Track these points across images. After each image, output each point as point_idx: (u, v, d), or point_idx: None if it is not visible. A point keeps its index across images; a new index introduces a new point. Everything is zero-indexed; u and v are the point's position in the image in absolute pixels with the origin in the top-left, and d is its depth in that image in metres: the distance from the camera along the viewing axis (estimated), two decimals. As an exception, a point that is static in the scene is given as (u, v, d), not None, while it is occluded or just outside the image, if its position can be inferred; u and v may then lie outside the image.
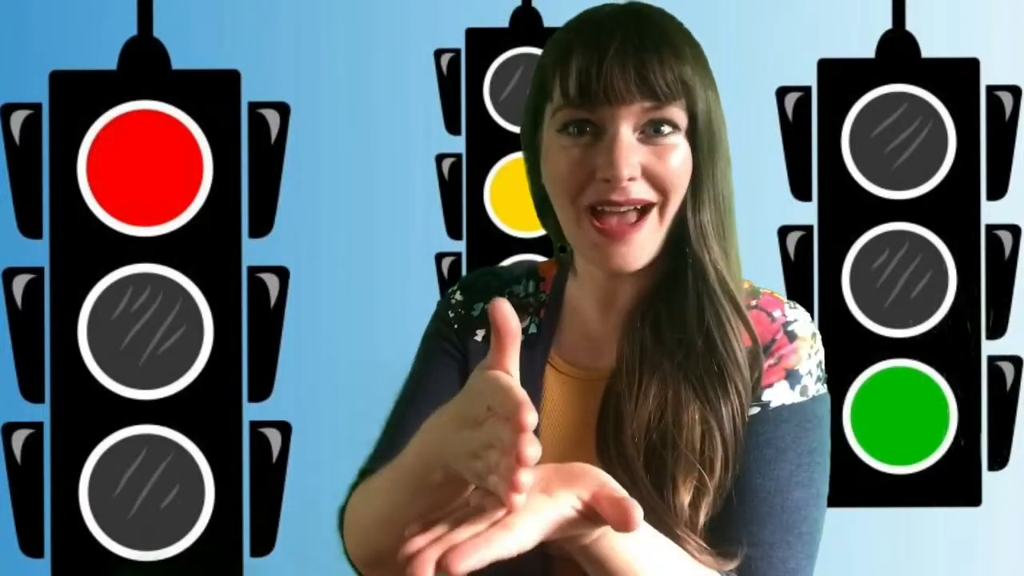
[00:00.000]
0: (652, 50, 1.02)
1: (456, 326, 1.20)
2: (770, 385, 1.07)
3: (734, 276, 1.08)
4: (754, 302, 1.11)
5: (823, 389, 1.09)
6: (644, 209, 1.05)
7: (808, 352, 1.08)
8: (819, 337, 1.11)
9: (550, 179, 1.08)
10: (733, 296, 1.06)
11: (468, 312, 1.20)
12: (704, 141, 1.05)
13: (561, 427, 1.12)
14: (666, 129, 1.03)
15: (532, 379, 1.13)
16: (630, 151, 1.02)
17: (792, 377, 1.07)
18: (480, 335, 1.18)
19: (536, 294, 1.19)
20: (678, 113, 1.03)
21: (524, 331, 1.16)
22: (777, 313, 1.10)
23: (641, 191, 1.04)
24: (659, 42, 1.02)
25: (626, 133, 1.02)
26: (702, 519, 1.03)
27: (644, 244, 1.05)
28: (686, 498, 1.03)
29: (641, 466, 1.03)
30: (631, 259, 1.05)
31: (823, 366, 1.10)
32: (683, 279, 1.07)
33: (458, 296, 1.22)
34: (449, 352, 1.20)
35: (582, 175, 1.04)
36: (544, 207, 1.14)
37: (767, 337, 1.08)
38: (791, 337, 1.08)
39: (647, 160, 1.03)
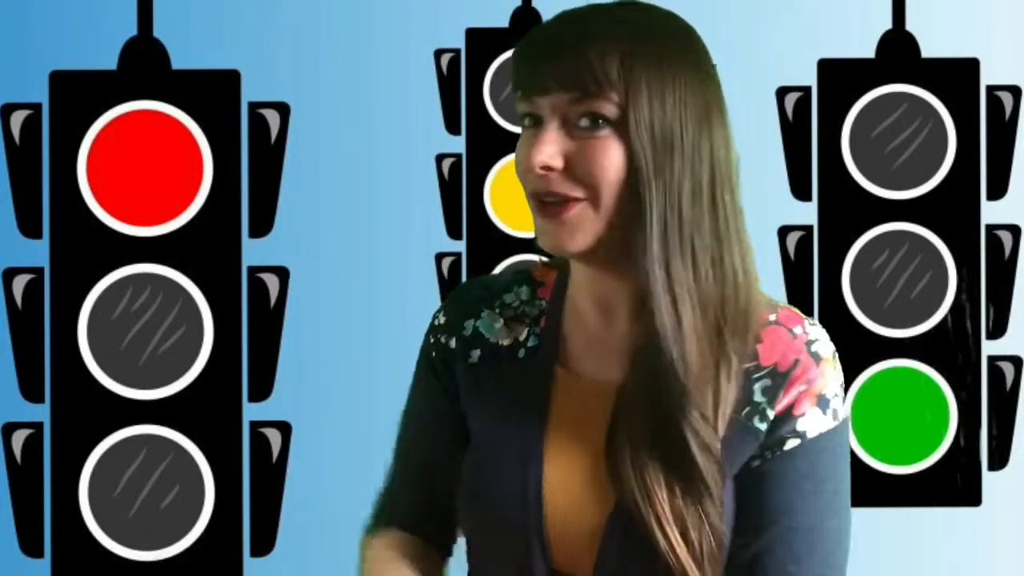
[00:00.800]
0: (571, 42, 1.00)
1: (434, 354, 1.16)
2: (803, 414, 1.04)
3: (692, 284, 1.02)
4: (773, 317, 1.07)
5: (847, 409, 1.08)
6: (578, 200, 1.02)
7: (833, 374, 1.06)
8: (837, 355, 1.08)
9: None
10: (679, 303, 1.01)
11: (455, 335, 1.15)
12: (643, 141, 1.00)
13: (569, 442, 1.08)
14: (599, 124, 1.00)
15: (536, 395, 1.09)
16: (547, 141, 1.00)
17: (822, 403, 1.05)
18: (475, 355, 1.13)
19: (533, 301, 1.14)
20: (606, 107, 1.00)
21: (523, 344, 1.12)
22: (798, 330, 1.06)
23: (562, 184, 1.01)
24: (582, 35, 1.00)
25: (552, 124, 1.01)
26: (709, 564, 1.02)
27: (573, 227, 1.01)
28: (697, 540, 1.01)
29: (667, 504, 1.01)
30: (563, 239, 1.02)
31: (843, 385, 1.08)
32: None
33: (440, 319, 1.17)
34: (428, 382, 1.17)
35: (522, 164, 1.04)
36: None
37: (788, 355, 1.05)
38: (816, 359, 1.05)
39: (571, 153, 1.01)
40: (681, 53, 1.03)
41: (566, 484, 1.06)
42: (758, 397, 1.04)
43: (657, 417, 1.02)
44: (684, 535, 1.00)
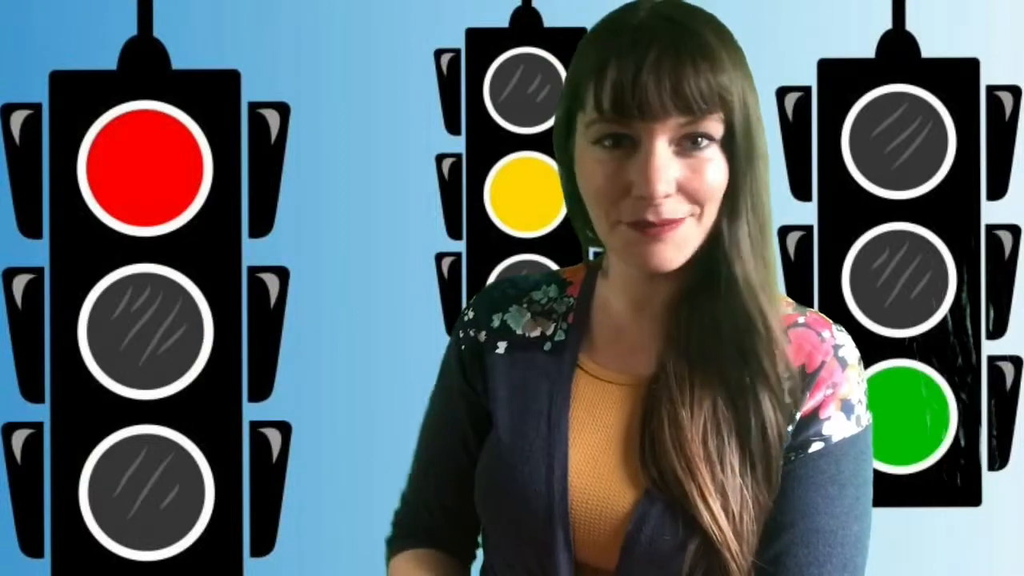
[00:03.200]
0: (688, 63, 0.99)
1: (463, 347, 1.17)
2: (828, 418, 1.05)
3: (770, 287, 1.05)
4: (801, 319, 1.08)
5: (870, 416, 1.08)
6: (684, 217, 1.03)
7: (858, 380, 1.07)
8: (862, 362, 1.09)
9: (586, 191, 1.05)
10: (763, 309, 1.04)
11: (484, 328, 1.16)
12: (741, 150, 1.02)
13: (594, 433, 1.09)
14: (703, 142, 1.01)
15: (561, 385, 1.10)
16: (665, 167, 1.00)
17: (847, 408, 1.05)
18: (502, 347, 1.14)
19: (561, 298, 1.15)
20: (714, 125, 1.01)
21: (549, 338, 1.13)
22: (826, 334, 1.08)
23: (675, 208, 1.01)
24: (695, 53, 0.99)
25: (662, 148, 1.00)
26: (747, 539, 1.02)
27: (680, 243, 1.02)
28: (737, 513, 1.01)
29: (708, 476, 1.01)
30: (668, 257, 1.02)
31: (867, 392, 1.09)
32: (716, 286, 1.05)
33: (469, 315, 1.18)
34: (455, 381, 1.18)
35: (617, 190, 1.02)
36: (575, 210, 1.11)
37: (816, 358, 1.06)
38: (843, 364, 1.06)
39: (682, 174, 1.01)
40: (745, 61, 1.06)
41: (592, 473, 1.07)
42: (786, 399, 1.04)
43: (719, 396, 1.04)
44: (726, 508, 1.01)
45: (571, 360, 1.11)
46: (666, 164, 1.00)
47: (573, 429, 1.09)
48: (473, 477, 1.13)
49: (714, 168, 1.02)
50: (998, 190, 2.12)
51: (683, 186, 1.01)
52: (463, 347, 1.17)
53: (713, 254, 1.05)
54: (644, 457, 1.04)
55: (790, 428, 1.04)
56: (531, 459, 1.08)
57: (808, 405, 1.05)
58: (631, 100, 0.99)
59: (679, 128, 1.00)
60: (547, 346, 1.13)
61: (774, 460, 1.03)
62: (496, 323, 1.16)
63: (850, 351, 1.08)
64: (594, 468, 1.07)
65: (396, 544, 1.21)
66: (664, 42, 1.00)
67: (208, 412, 2.04)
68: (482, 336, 1.16)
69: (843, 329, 1.10)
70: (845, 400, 1.06)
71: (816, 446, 1.04)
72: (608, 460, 1.07)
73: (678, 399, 1.04)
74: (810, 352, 1.06)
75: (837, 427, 1.05)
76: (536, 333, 1.14)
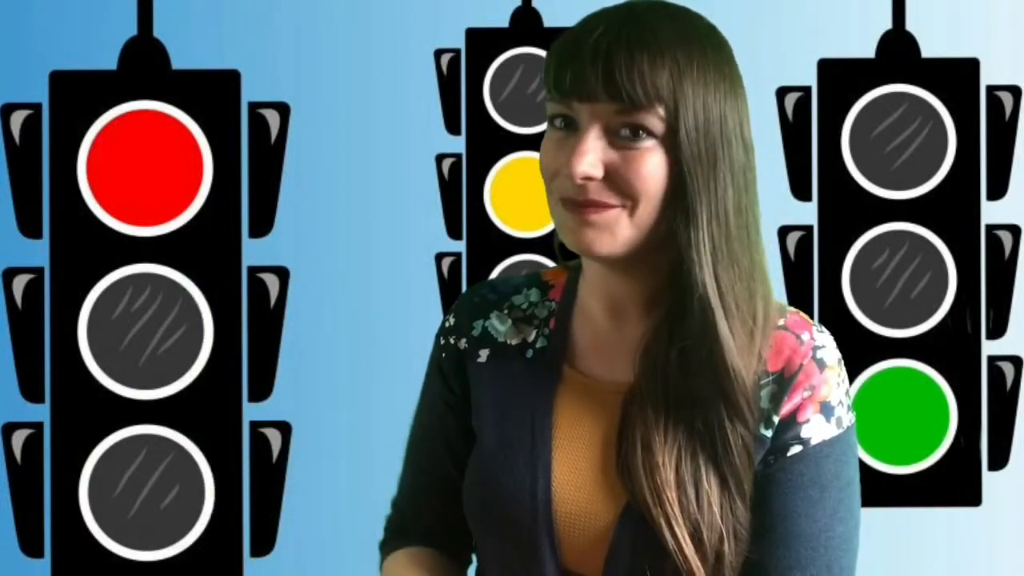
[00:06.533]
0: (623, 52, 0.98)
1: (444, 355, 1.16)
2: (807, 421, 1.04)
3: (738, 294, 1.03)
4: (781, 321, 1.07)
5: (853, 416, 1.07)
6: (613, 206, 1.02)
7: (837, 381, 1.06)
8: (843, 363, 1.08)
9: (540, 169, 1.07)
10: (730, 312, 1.02)
11: (464, 336, 1.15)
12: (691, 154, 1.00)
13: (577, 441, 1.08)
14: (641, 135, 0.99)
15: (544, 394, 1.10)
16: (589, 151, 0.99)
17: (826, 410, 1.05)
18: (484, 355, 1.13)
19: (542, 302, 1.14)
20: (652, 120, 0.99)
21: (531, 345, 1.12)
22: (805, 336, 1.06)
23: (601, 193, 1.00)
24: (634, 44, 0.98)
25: (592, 132, 1.00)
26: (727, 561, 1.01)
27: (608, 228, 1.01)
28: (713, 538, 1.00)
29: (676, 504, 1.01)
30: (591, 239, 1.01)
31: (849, 392, 1.08)
32: (684, 292, 1.03)
33: (450, 321, 1.17)
34: (437, 389, 1.17)
35: (556, 166, 1.03)
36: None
37: (795, 360, 1.05)
38: (820, 365, 1.05)
39: (613, 163, 1.00)
40: (720, 66, 1.03)
41: (575, 483, 1.07)
42: (764, 404, 1.04)
43: (696, 414, 1.03)
44: (693, 536, 1.00)
45: (554, 368, 1.11)
46: (591, 147, 0.99)
47: (556, 438, 1.08)
48: (461, 481, 1.13)
49: (648, 163, 1.00)
50: (998, 190, 2.12)
51: (612, 174, 1.00)
52: (444, 354, 1.16)
53: (675, 258, 1.03)
54: (621, 474, 1.04)
55: (769, 432, 1.04)
56: (515, 469, 1.07)
57: (786, 408, 1.04)
58: (567, 81, 1.00)
59: (613, 116, 0.99)
60: (529, 353, 1.12)
61: (747, 473, 1.02)
62: (477, 330, 1.15)
63: (829, 352, 1.07)
64: (577, 478, 1.07)
65: (389, 545, 1.20)
66: (610, 27, 1.00)
67: (208, 412, 2.04)
68: (463, 344, 1.15)
69: (824, 330, 1.09)
70: (824, 402, 1.05)
71: (795, 449, 1.04)
72: (590, 470, 1.07)
73: (651, 421, 1.03)
74: (789, 356, 1.05)
75: (816, 430, 1.04)
76: (517, 341, 1.13)
